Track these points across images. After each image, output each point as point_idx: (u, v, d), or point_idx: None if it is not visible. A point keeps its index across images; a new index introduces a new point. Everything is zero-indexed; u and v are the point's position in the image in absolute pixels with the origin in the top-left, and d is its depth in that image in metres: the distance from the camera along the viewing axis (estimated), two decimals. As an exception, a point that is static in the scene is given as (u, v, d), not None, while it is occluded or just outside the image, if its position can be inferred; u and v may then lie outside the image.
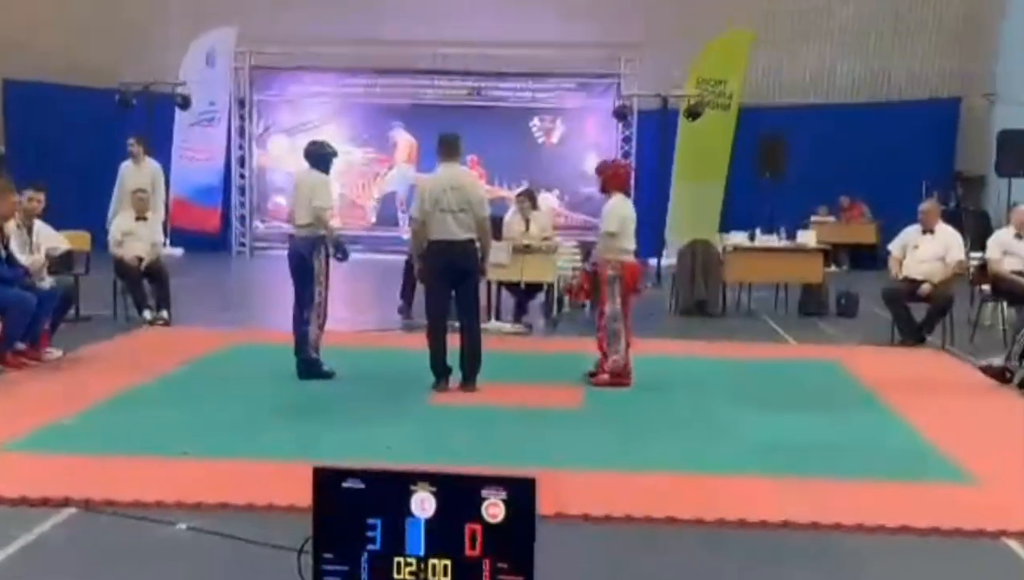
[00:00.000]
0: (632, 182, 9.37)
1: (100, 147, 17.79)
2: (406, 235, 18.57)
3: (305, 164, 9.42)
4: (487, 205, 8.84)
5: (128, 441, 6.99)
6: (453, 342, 8.77)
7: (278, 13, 20.99)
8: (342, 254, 9.44)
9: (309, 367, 9.06)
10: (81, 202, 15.28)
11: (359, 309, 13.59)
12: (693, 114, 18.30)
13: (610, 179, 9.23)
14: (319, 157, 9.37)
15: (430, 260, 8.69)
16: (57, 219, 10.90)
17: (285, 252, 9.58)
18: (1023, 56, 19.57)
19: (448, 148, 8.78)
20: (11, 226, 9.54)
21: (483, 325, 9.36)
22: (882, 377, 9.54)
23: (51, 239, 10.42)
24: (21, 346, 9.34)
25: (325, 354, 9.16)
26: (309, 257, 9.04)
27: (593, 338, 9.31)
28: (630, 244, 9.08)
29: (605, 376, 9.00)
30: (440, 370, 8.66)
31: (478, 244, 8.68)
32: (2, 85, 21.68)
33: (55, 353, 9.63)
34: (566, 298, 12.92)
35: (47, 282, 9.69)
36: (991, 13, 20.83)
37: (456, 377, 8.71)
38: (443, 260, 8.61)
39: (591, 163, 20.99)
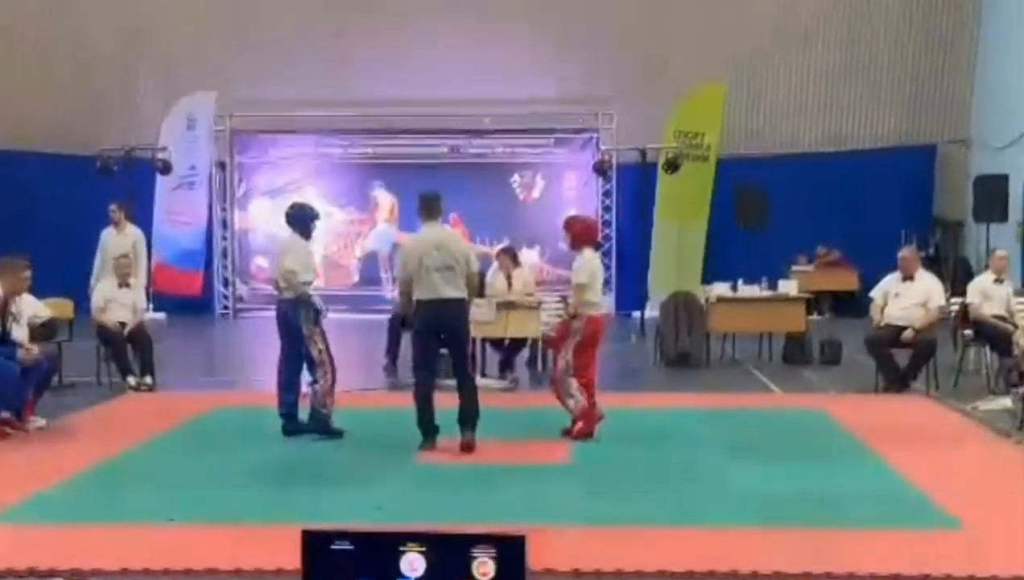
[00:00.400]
0: (599, 236, 9.50)
1: (81, 214, 17.79)
2: (389, 294, 18.63)
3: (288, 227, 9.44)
4: (475, 260, 8.84)
5: (114, 509, 6.95)
6: (440, 401, 8.72)
7: (257, 76, 21.11)
8: (315, 315, 9.22)
9: (315, 424, 9.03)
10: (63, 269, 15.25)
11: (344, 368, 13.50)
12: (672, 166, 18.42)
13: (579, 234, 9.32)
14: (299, 219, 9.39)
15: (418, 320, 8.65)
16: (39, 287, 10.87)
17: (268, 313, 9.58)
18: (995, 102, 19.84)
19: (429, 207, 8.76)
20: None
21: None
22: (868, 424, 9.56)
23: (33, 307, 10.38)
24: (5, 415, 9.29)
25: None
26: (295, 318, 9.06)
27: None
28: (597, 297, 9.14)
29: (580, 424, 8.98)
30: (428, 430, 8.56)
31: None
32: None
33: (39, 422, 9.56)
34: (549, 352, 12.94)
35: (35, 353, 9.60)
36: (963, 60, 21.11)
37: (443, 436, 8.61)
38: (431, 319, 8.55)
39: (572, 218, 21.18)
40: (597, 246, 9.55)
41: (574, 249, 9.35)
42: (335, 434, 9.02)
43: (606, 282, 21.04)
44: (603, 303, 9.25)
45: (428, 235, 8.68)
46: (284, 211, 9.63)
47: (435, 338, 8.68)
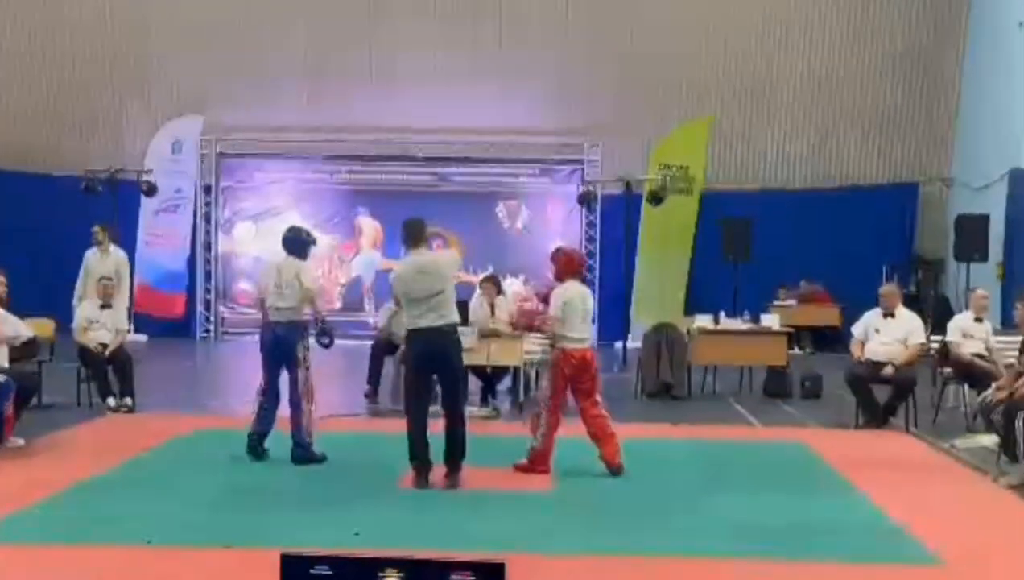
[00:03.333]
0: (585, 269, 9.42)
1: (65, 234, 17.76)
2: (372, 319, 18.60)
3: (282, 250, 9.42)
4: (456, 267, 8.86)
5: (92, 530, 6.90)
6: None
7: (244, 101, 21.15)
8: (328, 340, 9.43)
9: (303, 453, 9.03)
10: (45, 289, 15.19)
11: (326, 393, 13.47)
12: (656, 199, 18.49)
13: (562, 267, 9.26)
14: (298, 243, 9.40)
15: (411, 351, 8.47)
16: (20, 306, 10.83)
17: (250, 336, 9.52)
18: (976, 143, 20.01)
19: (412, 234, 8.60)
20: None
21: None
22: (848, 459, 9.58)
23: (13, 326, 10.34)
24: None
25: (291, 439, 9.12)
26: (295, 343, 9.07)
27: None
28: (573, 331, 8.92)
29: (525, 463, 8.88)
30: (422, 467, 8.30)
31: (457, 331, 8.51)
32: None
33: (18, 442, 9.51)
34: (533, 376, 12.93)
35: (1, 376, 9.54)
36: (945, 102, 21.31)
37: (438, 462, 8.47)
38: (422, 349, 8.37)
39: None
40: (583, 279, 9.46)
41: (559, 281, 9.31)
42: (319, 459, 9.02)
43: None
44: (584, 338, 9.07)
45: (411, 264, 8.51)
46: (282, 234, 9.64)
47: (428, 368, 8.45)
